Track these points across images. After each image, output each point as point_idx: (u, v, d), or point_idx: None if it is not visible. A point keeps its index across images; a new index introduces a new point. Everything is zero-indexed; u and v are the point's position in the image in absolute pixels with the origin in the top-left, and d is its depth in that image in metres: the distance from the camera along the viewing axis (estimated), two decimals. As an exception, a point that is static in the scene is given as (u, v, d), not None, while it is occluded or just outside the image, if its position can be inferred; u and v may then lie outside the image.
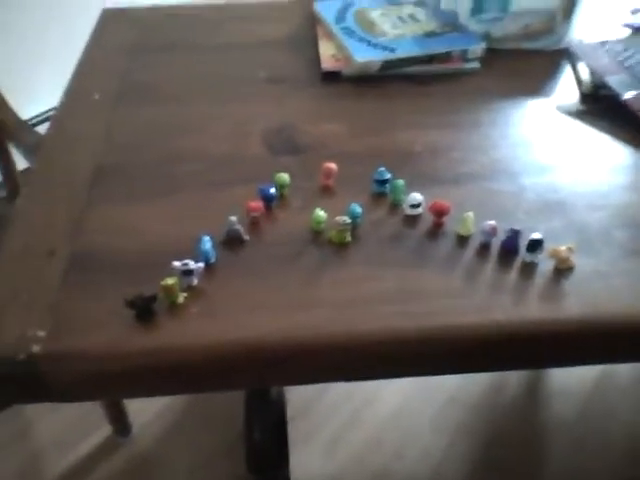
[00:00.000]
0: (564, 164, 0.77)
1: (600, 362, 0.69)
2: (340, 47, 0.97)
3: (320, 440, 1.33)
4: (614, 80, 0.85)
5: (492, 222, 0.64)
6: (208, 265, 0.62)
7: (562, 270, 0.62)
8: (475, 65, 0.96)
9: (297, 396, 1.41)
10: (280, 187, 0.70)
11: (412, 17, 1.01)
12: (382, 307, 0.59)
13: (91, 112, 0.86)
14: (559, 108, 0.88)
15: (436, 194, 0.69)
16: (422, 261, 0.63)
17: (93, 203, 0.70)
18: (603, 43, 0.93)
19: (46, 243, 0.65)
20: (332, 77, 0.94)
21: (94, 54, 1.00)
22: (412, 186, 0.70)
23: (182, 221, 0.67)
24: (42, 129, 1.08)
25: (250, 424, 0.82)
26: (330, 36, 1.00)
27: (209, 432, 1.34)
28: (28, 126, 1.31)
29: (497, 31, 0.99)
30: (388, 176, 0.71)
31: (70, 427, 1.35)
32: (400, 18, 1.01)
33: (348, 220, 0.64)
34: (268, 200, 0.69)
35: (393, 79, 0.93)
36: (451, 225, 0.67)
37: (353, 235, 0.66)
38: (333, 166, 0.72)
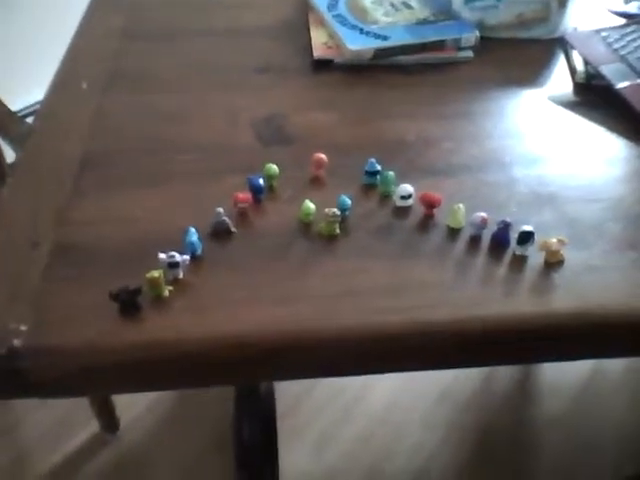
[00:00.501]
0: (557, 155, 0.76)
1: (591, 357, 0.68)
2: (332, 35, 0.95)
3: (310, 436, 1.33)
4: (608, 69, 0.84)
5: (483, 214, 0.63)
6: (194, 257, 0.61)
7: (553, 263, 0.61)
8: (468, 54, 0.95)
9: (287, 392, 1.40)
10: (269, 178, 0.69)
11: (405, 4, 1.00)
12: (371, 300, 0.58)
13: (79, 100, 0.84)
14: (552, 98, 0.87)
15: (427, 186, 0.68)
16: (412, 254, 0.63)
17: (79, 193, 0.69)
18: (597, 31, 0.92)
19: (30, 234, 0.63)
20: (324, 65, 0.92)
21: (83, 41, 0.98)
22: (403, 177, 0.69)
23: (169, 212, 0.66)
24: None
25: (239, 420, 0.81)
26: (322, 24, 0.99)
27: (198, 427, 1.34)
28: (18, 117, 1.30)
29: (491, 19, 0.98)
30: (379, 168, 0.70)
31: (58, 423, 1.34)
32: (393, 5, 1.00)
33: (337, 212, 0.63)
34: (257, 191, 0.68)
35: (385, 68, 0.92)
36: (442, 217, 0.66)
37: (342, 227, 0.65)
38: (323, 157, 0.71)
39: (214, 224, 0.63)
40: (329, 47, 0.94)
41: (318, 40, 0.96)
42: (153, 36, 0.99)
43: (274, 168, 0.69)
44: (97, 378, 0.55)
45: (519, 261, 0.62)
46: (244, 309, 0.57)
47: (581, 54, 0.89)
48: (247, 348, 0.55)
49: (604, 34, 0.91)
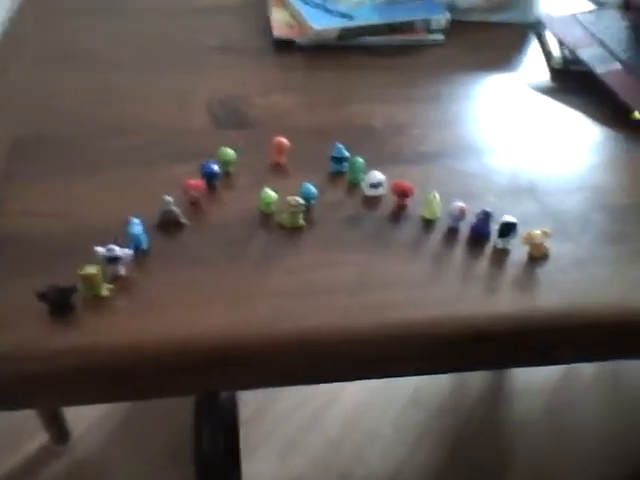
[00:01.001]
0: (534, 143, 0.71)
1: (579, 360, 0.63)
2: (294, 14, 0.89)
3: (276, 444, 1.25)
4: (587, 54, 0.80)
5: (461, 203, 0.57)
6: (139, 252, 0.54)
7: (536, 257, 0.56)
8: (439, 37, 0.89)
9: (251, 397, 1.32)
10: (225, 164, 0.63)
11: (372, -16, 0.94)
12: (338, 299, 0.52)
13: (16, 79, 0.76)
14: (528, 84, 0.82)
15: (396, 174, 0.63)
16: (384, 247, 0.57)
17: (9, 181, 0.61)
18: (574, 15, 0.88)
19: (-50, 226, 0.56)
20: (285, 46, 0.86)
21: (24, 16, 0.90)
22: (372, 164, 0.63)
23: (110, 202, 0.59)
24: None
25: (199, 429, 0.74)
26: (283, 2, 0.92)
27: (154, 437, 1.25)
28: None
29: (462, 2, 0.93)
30: (346, 153, 0.64)
31: (2, 435, 1.24)
32: (359, -16, 0.94)
33: (301, 201, 0.57)
34: (210, 178, 0.61)
35: (351, 50, 0.86)
36: (415, 207, 0.60)
37: (307, 218, 0.58)
38: (285, 141, 0.65)
39: (161, 214, 0.56)
40: (291, 27, 0.88)
41: (279, 19, 0.89)
42: (103, 12, 0.91)
43: (230, 152, 0.63)
44: (23, 389, 0.48)
45: (500, 255, 0.56)
46: (194, 311, 0.50)
47: (558, 38, 0.84)
48: (197, 355, 0.48)
49: (580, 17, 0.87)
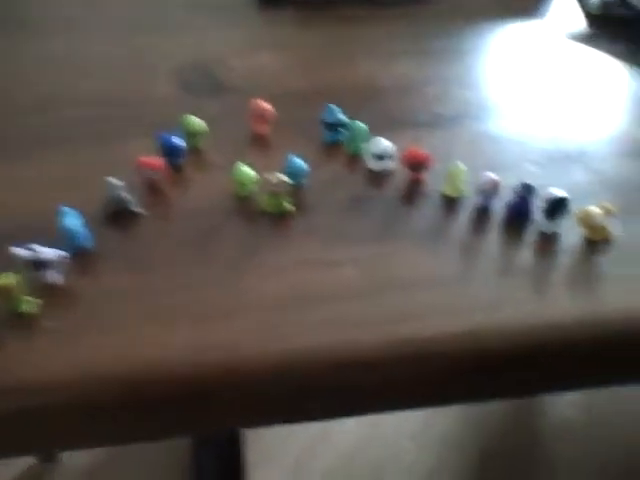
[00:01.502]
0: (574, 100, 0.58)
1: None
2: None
3: (283, 462, 1.12)
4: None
5: (492, 175, 0.45)
6: (79, 253, 0.41)
7: (597, 243, 0.43)
8: (453, -20, 0.76)
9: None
10: (191, 137, 0.50)
11: None
12: (337, 308, 0.39)
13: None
14: (561, 32, 0.69)
15: (410, 140, 0.50)
16: (395, 237, 0.44)
17: None
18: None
19: None
20: (272, 1, 0.73)
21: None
22: (377, 131, 0.50)
23: (46, 190, 0.47)
24: None
25: (199, 475, 0.62)
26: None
27: (152, 452, 1.12)
28: None
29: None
30: (342, 117, 0.51)
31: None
32: None
33: (283, 178, 0.44)
34: (173, 155, 0.48)
35: (349, 1, 0.73)
36: (434, 182, 0.47)
37: (296, 202, 0.46)
38: (267, 106, 0.52)
39: (107, 203, 0.44)
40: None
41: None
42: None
43: (197, 122, 0.50)
44: None
45: (548, 241, 0.43)
46: (150, 330, 0.38)
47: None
48: (151, 393, 0.36)
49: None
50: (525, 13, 0.72)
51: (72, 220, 0.41)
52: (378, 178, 0.48)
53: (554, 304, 0.39)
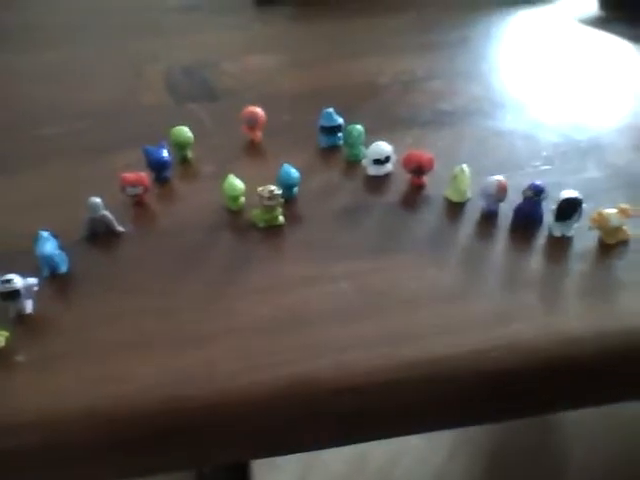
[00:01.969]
0: (587, 89, 0.55)
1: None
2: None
3: (290, 466, 1.09)
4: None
5: (499, 177, 0.41)
6: (54, 278, 0.39)
7: (612, 247, 0.40)
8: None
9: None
10: (179, 147, 0.48)
11: None
12: (332, 331, 0.36)
13: None
14: (572, 17, 0.65)
15: (412, 142, 0.47)
16: (394, 247, 0.41)
17: None
18: None
19: None
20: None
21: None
22: (376, 132, 0.48)
23: (22, 211, 0.44)
24: None
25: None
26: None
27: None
28: None
29: None
30: (339, 121, 0.48)
31: None
32: None
33: (277, 190, 0.41)
34: (158, 168, 0.46)
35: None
36: (437, 187, 0.44)
37: (289, 213, 0.43)
38: (259, 111, 0.49)
39: (88, 223, 0.41)
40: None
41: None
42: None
43: (185, 132, 0.47)
44: None
45: (560, 247, 0.40)
46: (125, 362, 0.35)
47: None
48: (130, 427, 0.33)
49: None
50: (534, -1, 0.68)
51: (47, 244, 0.38)
52: (377, 184, 0.45)
53: (568, 316, 0.36)
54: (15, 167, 0.48)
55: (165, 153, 0.45)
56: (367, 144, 0.46)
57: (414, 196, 0.44)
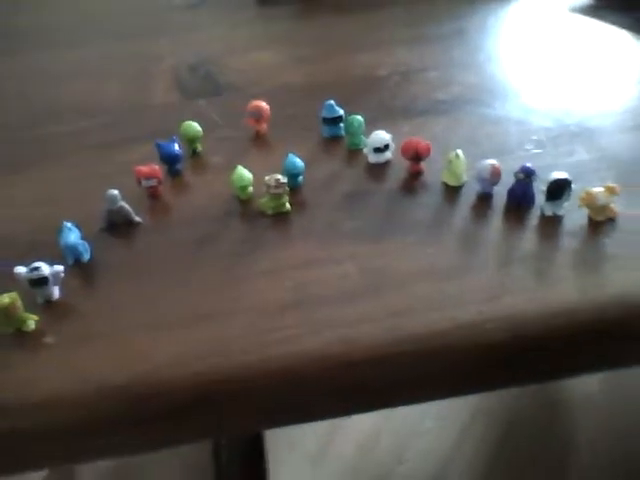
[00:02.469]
0: (579, 75, 0.57)
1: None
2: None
3: (304, 449, 1.12)
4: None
5: (492, 161, 0.44)
6: (79, 266, 0.41)
7: (601, 223, 0.42)
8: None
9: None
10: (190, 141, 0.50)
11: None
12: (339, 308, 0.39)
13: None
14: (564, 5, 0.67)
15: (410, 130, 0.49)
16: (394, 230, 0.43)
17: None
18: None
19: None
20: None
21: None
22: (376, 122, 0.50)
23: (43, 204, 0.47)
24: None
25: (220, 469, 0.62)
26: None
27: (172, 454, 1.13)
28: None
29: None
30: (340, 112, 0.51)
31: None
32: None
33: (283, 179, 0.44)
34: (171, 161, 0.48)
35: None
36: (434, 172, 0.47)
37: (294, 200, 0.45)
38: (263, 105, 0.52)
39: (107, 214, 0.44)
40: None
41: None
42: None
43: (194, 127, 0.50)
44: None
45: (551, 225, 0.42)
46: (145, 340, 0.38)
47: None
48: (145, 404, 0.36)
49: None
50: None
51: (70, 235, 0.41)
52: (377, 171, 0.48)
53: (559, 288, 0.39)
54: (36, 162, 0.51)
55: (176, 147, 0.48)
56: (367, 133, 0.49)
57: (413, 182, 0.47)
